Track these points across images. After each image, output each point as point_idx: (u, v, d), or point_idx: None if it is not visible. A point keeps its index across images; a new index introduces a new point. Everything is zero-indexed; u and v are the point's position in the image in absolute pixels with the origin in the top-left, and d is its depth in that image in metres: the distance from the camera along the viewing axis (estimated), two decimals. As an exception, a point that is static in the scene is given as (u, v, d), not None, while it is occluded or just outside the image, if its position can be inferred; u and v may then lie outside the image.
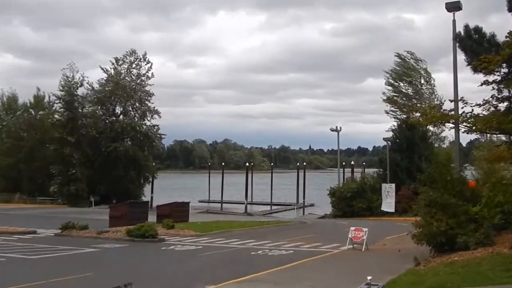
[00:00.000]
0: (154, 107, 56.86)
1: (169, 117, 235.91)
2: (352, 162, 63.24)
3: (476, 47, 17.51)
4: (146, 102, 56.91)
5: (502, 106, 16.86)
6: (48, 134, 55.16)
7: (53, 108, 58.93)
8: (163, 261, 16.79)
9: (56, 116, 56.12)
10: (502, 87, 16.49)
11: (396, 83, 52.53)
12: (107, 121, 56.72)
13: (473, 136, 27.50)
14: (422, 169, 33.66)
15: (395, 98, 49.15)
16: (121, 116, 57.03)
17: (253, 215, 50.54)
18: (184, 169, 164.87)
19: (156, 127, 57.05)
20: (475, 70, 17.06)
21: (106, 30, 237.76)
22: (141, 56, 56.71)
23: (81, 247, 19.15)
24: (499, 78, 16.57)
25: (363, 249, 18.53)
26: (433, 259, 14.14)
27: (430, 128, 44.24)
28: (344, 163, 66.99)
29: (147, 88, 56.84)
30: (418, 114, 22.52)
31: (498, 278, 10.48)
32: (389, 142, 42.11)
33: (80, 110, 54.97)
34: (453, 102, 19.32)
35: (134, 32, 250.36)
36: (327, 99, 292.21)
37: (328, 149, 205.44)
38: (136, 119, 56.65)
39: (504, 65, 16.08)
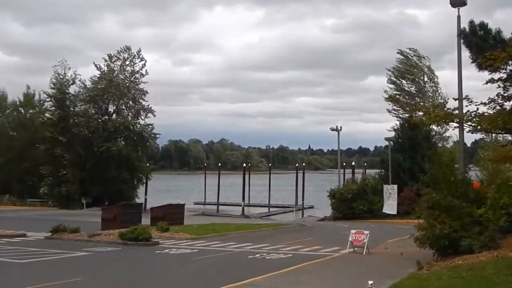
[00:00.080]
0: (148, 106, 56.92)
1: (164, 116, 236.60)
2: (353, 163, 63.13)
3: (482, 44, 17.50)
4: (140, 101, 56.90)
5: (508, 104, 16.88)
6: (38, 134, 55.07)
7: (44, 106, 58.84)
8: (157, 265, 16.74)
9: (47, 115, 56.02)
10: (508, 85, 16.51)
11: (398, 81, 52.54)
12: (99, 120, 56.66)
13: (478, 135, 27.62)
14: (425, 170, 33.63)
15: (397, 96, 49.11)
16: (114, 115, 56.97)
17: (250, 217, 50.52)
18: (179, 170, 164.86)
19: (150, 126, 57.06)
20: (480, 67, 17.05)
21: (99, 25, 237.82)
22: (135, 53, 56.70)
23: (72, 251, 19.10)
24: (505, 76, 16.58)
25: (364, 253, 18.51)
26: (436, 263, 14.13)
27: (434, 127, 44.33)
28: (344, 164, 66.99)
29: (141, 86, 56.84)
30: (421, 113, 22.51)
31: (503, 282, 10.48)
32: (391, 142, 42.10)
33: (72, 109, 54.91)
34: (457, 101, 19.33)
35: (127, 28, 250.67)
36: (327, 98, 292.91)
37: (328, 149, 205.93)
38: (130, 118, 56.61)
39: (510, 62, 16.10)
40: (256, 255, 18.45)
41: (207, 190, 71.87)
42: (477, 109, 18.11)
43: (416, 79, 52.11)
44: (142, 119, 56.80)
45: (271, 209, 62.12)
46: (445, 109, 20.10)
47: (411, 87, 52.24)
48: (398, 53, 52.96)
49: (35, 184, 54.69)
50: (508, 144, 20.43)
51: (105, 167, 52.57)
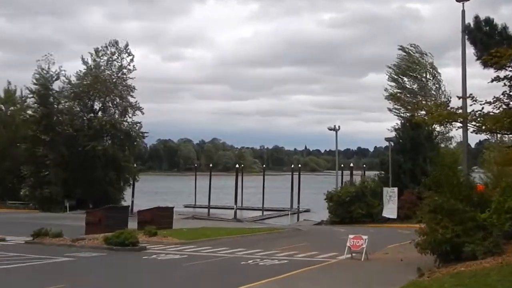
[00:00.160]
0: (136, 103, 56.71)
1: (152, 114, 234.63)
2: (351, 164, 63.43)
3: (487, 40, 17.60)
4: (128, 98, 56.75)
5: (514, 104, 16.96)
6: (19, 132, 54.77)
7: (26, 103, 58.51)
8: (144, 271, 16.69)
9: (29, 112, 55.74)
10: (514, 84, 16.59)
11: (399, 79, 52.68)
12: (84, 118, 56.45)
13: (482, 136, 27.71)
14: (427, 172, 33.72)
15: (398, 94, 49.24)
16: (100, 113, 56.77)
17: (243, 221, 50.45)
18: (168, 171, 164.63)
19: (138, 124, 56.87)
20: (485, 65, 17.13)
21: (85, 18, 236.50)
22: (123, 48, 56.53)
23: (54, 256, 19.02)
24: (511, 74, 16.65)
25: (362, 259, 18.55)
26: (438, 270, 14.18)
27: (436, 127, 44.49)
28: (342, 165, 67.29)
29: (128, 82, 56.68)
30: (423, 112, 22.56)
31: (508, 290, 10.51)
32: (391, 143, 42.19)
33: (55, 106, 54.65)
34: (461, 99, 19.43)
35: (114, 21, 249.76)
36: (325, 96, 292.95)
37: (325, 150, 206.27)
38: (117, 116, 56.42)
39: (517, 59, 16.16)
40: (249, 261, 18.44)
41: (198, 192, 71.67)
42: (482, 108, 18.18)
43: (418, 76, 52.27)
44: (130, 117, 56.68)
45: (265, 213, 62.05)
46: (448, 108, 20.16)
47: (413, 85, 52.40)
48: (399, 49, 53.08)
49: (15, 185, 54.38)
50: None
51: (90, 167, 52.35)
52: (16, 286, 13.01)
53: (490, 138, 37.57)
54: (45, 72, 53.67)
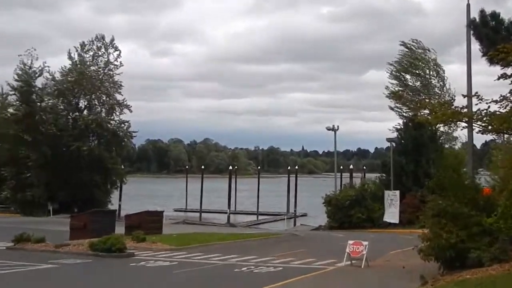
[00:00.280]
0: (123, 101, 56.58)
1: (141, 112, 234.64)
2: (351, 166, 63.48)
3: (493, 36, 17.65)
4: (115, 95, 56.63)
5: (522, 103, 17.03)
6: (0, 131, 54.53)
7: (7, 101, 58.29)
8: (132, 279, 16.66)
9: (10, 110, 55.45)
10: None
11: (401, 76, 52.81)
12: (69, 116, 56.26)
13: (488, 136, 27.82)
14: (430, 174, 33.86)
15: (400, 92, 49.38)
16: (85, 111, 56.61)
17: (236, 226, 50.49)
18: (158, 173, 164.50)
19: (126, 124, 56.73)
20: (492, 61, 17.20)
21: (70, 11, 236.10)
22: (108, 42, 56.43)
23: (36, 263, 18.94)
24: (518, 71, 16.72)
25: (362, 266, 18.57)
26: (442, 277, 14.20)
27: (440, 127, 44.61)
28: (341, 167, 67.31)
29: (115, 79, 56.53)
30: (426, 111, 22.66)
31: (515, 299, 10.54)
32: (393, 143, 42.30)
33: (38, 104, 54.43)
34: (466, 98, 19.46)
35: (101, 14, 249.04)
36: (323, 94, 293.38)
37: (323, 151, 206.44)
38: (103, 115, 56.29)
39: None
40: (243, 268, 18.43)
41: (189, 195, 71.67)
42: (488, 107, 18.29)
43: (421, 73, 52.41)
44: (117, 116, 56.55)
45: (260, 217, 62.11)
46: (453, 107, 20.25)
47: (416, 82, 52.54)
48: (401, 45, 53.23)
49: (-5, 187, 54.17)
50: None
51: (75, 169, 52.18)
52: (-5, 295, 12.97)
53: (496, 138, 37.76)
54: (27, 67, 53.46)
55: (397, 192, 38.48)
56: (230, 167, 76.27)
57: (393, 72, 52.91)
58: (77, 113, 56.11)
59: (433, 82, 52.47)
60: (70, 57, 55.73)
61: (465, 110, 19.14)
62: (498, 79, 17.00)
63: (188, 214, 64.66)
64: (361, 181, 50.05)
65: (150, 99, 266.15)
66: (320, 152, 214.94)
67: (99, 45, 56.24)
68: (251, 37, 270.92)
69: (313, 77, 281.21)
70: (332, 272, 18.23)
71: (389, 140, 42.57)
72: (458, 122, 20.46)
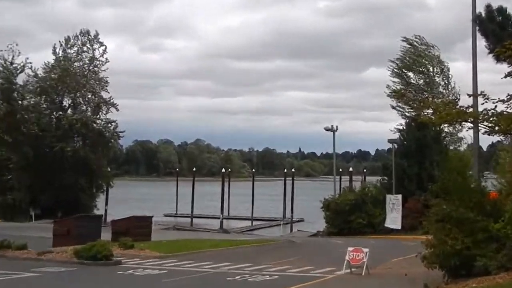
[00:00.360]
0: (110, 99, 56.53)
1: (129, 111, 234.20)
2: (351, 169, 63.58)
3: (500, 32, 17.72)
4: (101, 93, 56.58)
5: (530, 102, 17.10)
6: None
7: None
8: (119, 288, 16.62)
9: (-12, 109, 55.34)
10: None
11: (403, 73, 52.93)
12: (52, 116, 56.21)
13: (495, 138, 27.95)
14: (434, 177, 33.92)
15: (402, 91, 49.51)
16: (69, 110, 56.53)
17: (230, 232, 50.52)
18: (147, 176, 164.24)
19: (113, 123, 56.70)
20: (498, 59, 17.26)
21: (54, 5, 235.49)
22: (92, 37, 56.38)
23: (17, 271, 18.88)
24: (526, 69, 16.80)
25: (363, 274, 18.60)
26: (446, 286, 14.25)
27: (445, 128, 44.74)
28: (341, 170, 67.47)
29: (101, 75, 56.51)
30: (430, 110, 22.73)
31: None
32: (395, 145, 42.36)
33: (20, 102, 54.31)
34: (471, 97, 19.52)
35: (87, 7, 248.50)
36: (321, 92, 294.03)
37: (321, 153, 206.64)
38: (89, 114, 56.23)
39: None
40: (236, 277, 18.45)
41: (179, 199, 71.57)
42: (495, 107, 18.35)
43: (425, 71, 52.55)
44: (103, 114, 56.49)
45: (255, 223, 62.13)
46: (458, 106, 20.31)
47: (419, 80, 52.66)
48: (403, 41, 53.35)
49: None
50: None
51: (58, 171, 52.10)
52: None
53: (504, 140, 37.87)
54: (8, 63, 53.33)
55: (399, 196, 38.53)
56: (223, 170, 76.41)
57: (395, 70, 53.03)
58: (60, 112, 56.02)
59: (437, 80, 52.62)
60: (54, 52, 55.74)
61: (471, 109, 19.20)
62: (505, 77, 17.09)
63: (178, 220, 64.61)
64: (361, 185, 50.13)
65: (138, 97, 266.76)
66: (318, 154, 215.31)
67: (84, 40, 56.28)
68: (245, 32, 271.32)
69: (310, 74, 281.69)
70: (331, 280, 18.24)
71: (390, 141, 42.63)
72: (463, 123, 20.55)
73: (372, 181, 50.16)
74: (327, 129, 46.87)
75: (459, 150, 50.66)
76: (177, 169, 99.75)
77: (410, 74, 52.80)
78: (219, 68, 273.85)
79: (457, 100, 41.03)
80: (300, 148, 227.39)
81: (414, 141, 42.52)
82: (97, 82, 56.37)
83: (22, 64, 53.73)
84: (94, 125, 55.72)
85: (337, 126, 46.79)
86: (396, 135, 45.00)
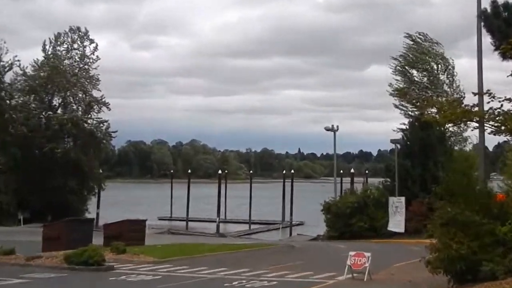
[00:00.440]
0: (102, 98, 56.50)
1: (121, 111, 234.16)
2: (352, 170, 63.72)
3: (506, 28, 17.75)
4: (92, 92, 56.58)
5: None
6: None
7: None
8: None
9: (-24, 109, 55.31)
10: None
11: (406, 71, 53.01)
12: (41, 116, 56.18)
13: (502, 138, 27.97)
14: (438, 179, 33.96)
15: (405, 89, 49.58)
16: (59, 110, 56.52)
17: (227, 236, 50.58)
18: (140, 178, 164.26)
19: (105, 124, 56.71)
20: (505, 56, 17.30)
21: (44, 1, 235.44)
22: (83, 34, 56.38)
23: (5, 278, 18.84)
24: (534, 66, 16.84)
25: (365, 279, 18.61)
26: (451, 292, 14.26)
27: (450, 127, 44.80)
28: (341, 171, 67.38)
29: (92, 74, 56.49)
30: (434, 109, 22.77)
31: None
32: (397, 145, 42.39)
33: (8, 102, 54.28)
34: (477, 96, 19.57)
35: (77, 3, 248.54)
36: (320, 91, 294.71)
37: (322, 153, 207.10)
38: (79, 113, 56.22)
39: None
40: (234, 283, 18.43)
41: (174, 202, 71.61)
42: (501, 106, 18.38)
43: (429, 68, 52.63)
44: (96, 113, 56.50)
45: (252, 226, 62.20)
46: (463, 105, 20.34)
47: (423, 78, 52.75)
48: (405, 37, 53.42)
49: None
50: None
51: (48, 173, 52.08)
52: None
53: (510, 140, 37.87)
54: (-5, 61, 53.34)
55: (403, 199, 38.56)
56: (220, 171, 76.47)
57: (398, 67, 53.10)
58: (50, 112, 56.01)
59: (441, 78, 52.71)
60: (44, 50, 55.74)
61: (476, 108, 19.25)
62: (512, 75, 17.10)
63: (173, 223, 64.66)
64: (363, 187, 50.21)
65: (131, 96, 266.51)
66: (318, 155, 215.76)
67: (74, 37, 56.31)
68: (242, 28, 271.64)
69: (310, 72, 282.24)
70: (331, 286, 18.26)
71: (393, 141, 42.65)
72: (469, 122, 20.58)
73: (374, 182, 50.20)
74: (327, 129, 46.92)
75: (465, 150, 50.76)
76: (172, 171, 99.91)
77: (414, 71, 52.91)
78: (214, 66, 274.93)
79: (462, 98, 41.15)
80: (299, 149, 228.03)
81: (417, 141, 42.58)
82: (88, 81, 56.38)
83: (10, 62, 53.82)
84: (85, 125, 55.77)
85: (337, 126, 46.88)
86: (399, 135, 45.05)
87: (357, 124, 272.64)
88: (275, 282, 18.74)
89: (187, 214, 65.47)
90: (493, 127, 19.06)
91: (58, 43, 56.19)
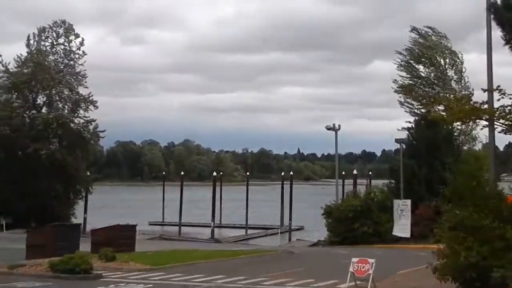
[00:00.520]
0: (89, 95, 56.42)
1: (110, 109, 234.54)
2: (355, 171, 63.64)
3: (516, 21, 17.79)
4: (79, 89, 56.51)
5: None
6: None
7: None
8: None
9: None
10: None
11: (412, 67, 53.03)
12: (25, 115, 56.08)
13: (513, 137, 28.00)
14: (446, 181, 34.01)
15: (411, 86, 49.63)
16: (44, 108, 56.45)
17: (222, 242, 50.59)
18: (130, 180, 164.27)
19: (92, 123, 56.65)
20: (515, 50, 17.31)
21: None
22: (68, 28, 56.28)
23: (-13, 287, 18.87)
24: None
25: (368, 287, 18.63)
26: (460, 300, 14.28)
27: (458, 126, 44.86)
28: (344, 173, 67.61)
29: (78, 70, 56.44)
30: (441, 107, 22.79)
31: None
32: (403, 145, 42.46)
33: (-11, 100, 54.22)
34: (486, 92, 19.59)
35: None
36: (321, 88, 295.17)
37: (322, 154, 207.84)
38: (66, 112, 56.15)
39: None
40: (230, 291, 18.46)
41: (166, 206, 71.54)
42: (512, 103, 18.39)
43: (436, 63, 52.65)
44: (84, 110, 56.39)
45: (249, 232, 62.21)
46: (471, 102, 20.35)
47: (430, 74, 52.76)
48: (411, 31, 53.42)
49: None
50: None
51: (32, 176, 51.99)
52: None
53: (522, 139, 37.99)
54: (-24, 58, 53.29)
55: (408, 202, 38.62)
56: (214, 173, 76.31)
57: (403, 63, 53.10)
58: (34, 111, 55.92)
59: (448, 73, 52.73)
60: (28, 45, 55.65)
61: (486, 106, 19.26)
62: (524, 70, 17.19)
63: (165, 229, 64.63)
64: (366, 189, 50.21)
65: (120, 94, 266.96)
66: (319, 155, 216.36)
67: (59, 31, 56.23)
68: (238, 22, 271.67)
69: (309, 68, 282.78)
70: (333, 294, 18.29)
71: (398, 141, 42.73)
72: (478, 120, 20.58)
73: (379, 184, 50.34)
74: (328, 128, 46.96)
75: (473, 150, 50.82)
76: (164, 173, 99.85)
77: (420, 67, 52.90)
78: (209, 61, 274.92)
79: (470, 95, 41.17)
80: (298, 149, 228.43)
81: (424, 141, 42.66)
82: (74, 77, 56.27)
83: (-9, 58, 53.72)
84: (72, 124, 55.67)
85: (339, 125, 46.97)
86: (404, 134, 45.18)
87: (360, 122, 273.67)
88: (273, 291, 18.78)
89: (180, 219, 65.39)
90: (503, 126, 19.08)
91: (43, 37, 56.08)
